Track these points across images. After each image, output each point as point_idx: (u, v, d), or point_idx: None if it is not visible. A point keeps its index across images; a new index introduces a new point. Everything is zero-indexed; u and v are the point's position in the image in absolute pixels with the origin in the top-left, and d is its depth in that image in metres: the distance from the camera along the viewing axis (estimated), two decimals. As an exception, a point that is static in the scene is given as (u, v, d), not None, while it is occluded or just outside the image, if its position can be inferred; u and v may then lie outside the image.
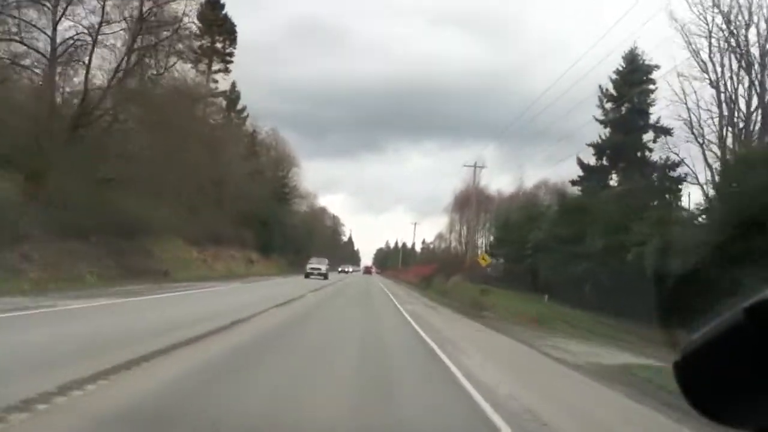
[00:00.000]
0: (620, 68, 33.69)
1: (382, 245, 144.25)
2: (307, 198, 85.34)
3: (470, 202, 56.24)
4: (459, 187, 67.53)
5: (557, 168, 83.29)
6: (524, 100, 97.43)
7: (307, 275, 41.23)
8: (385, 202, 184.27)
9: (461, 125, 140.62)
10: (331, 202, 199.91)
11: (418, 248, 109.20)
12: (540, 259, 32.06)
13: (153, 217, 27.10)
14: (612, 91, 34.06)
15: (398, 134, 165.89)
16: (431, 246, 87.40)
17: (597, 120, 34.32)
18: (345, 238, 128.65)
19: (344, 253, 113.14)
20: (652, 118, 32.21)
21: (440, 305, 27.42)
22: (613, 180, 34.44)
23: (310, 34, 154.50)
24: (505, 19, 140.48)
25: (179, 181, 30.05)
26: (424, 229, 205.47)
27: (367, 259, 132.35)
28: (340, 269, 73.51)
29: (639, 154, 32.96)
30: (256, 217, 46.94)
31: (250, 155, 52.27)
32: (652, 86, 32.22)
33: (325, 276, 41.80)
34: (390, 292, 35.12)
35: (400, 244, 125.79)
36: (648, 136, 32.71)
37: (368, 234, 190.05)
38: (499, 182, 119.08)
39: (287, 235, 58.16)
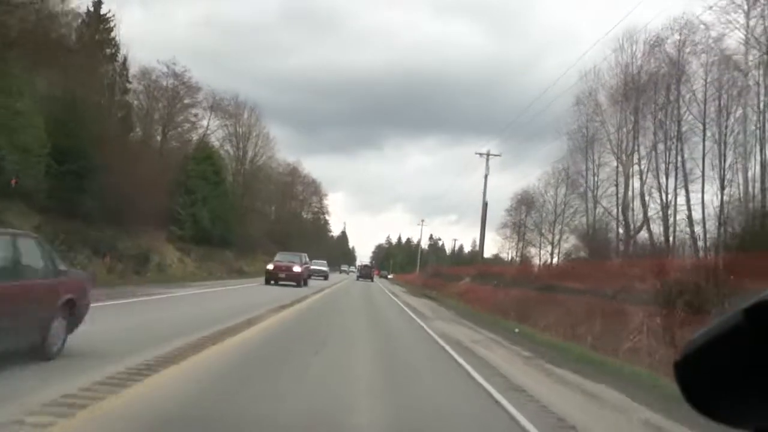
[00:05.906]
0: None
1: (381, 243, 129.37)
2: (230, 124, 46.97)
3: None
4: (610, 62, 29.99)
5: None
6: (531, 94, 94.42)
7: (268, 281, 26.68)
8: (383, 200, 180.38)
9: (464, 121, 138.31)
10: (330, 202, 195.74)
11: (424, 243, 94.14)
12: None
13: None
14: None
15: (398, 130, 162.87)
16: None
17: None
18: (335, 230, 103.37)
19: (335, 250, 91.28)
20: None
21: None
22: None
23: (303, 20, 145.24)
24: (512, 7, 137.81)
25: None
26: (423, 232, 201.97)
27: (363, 260, 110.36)
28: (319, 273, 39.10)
29: None
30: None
31: None
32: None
33: None
34: None
35: (403, 241, 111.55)
36: None
37: (365, 235, 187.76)
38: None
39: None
